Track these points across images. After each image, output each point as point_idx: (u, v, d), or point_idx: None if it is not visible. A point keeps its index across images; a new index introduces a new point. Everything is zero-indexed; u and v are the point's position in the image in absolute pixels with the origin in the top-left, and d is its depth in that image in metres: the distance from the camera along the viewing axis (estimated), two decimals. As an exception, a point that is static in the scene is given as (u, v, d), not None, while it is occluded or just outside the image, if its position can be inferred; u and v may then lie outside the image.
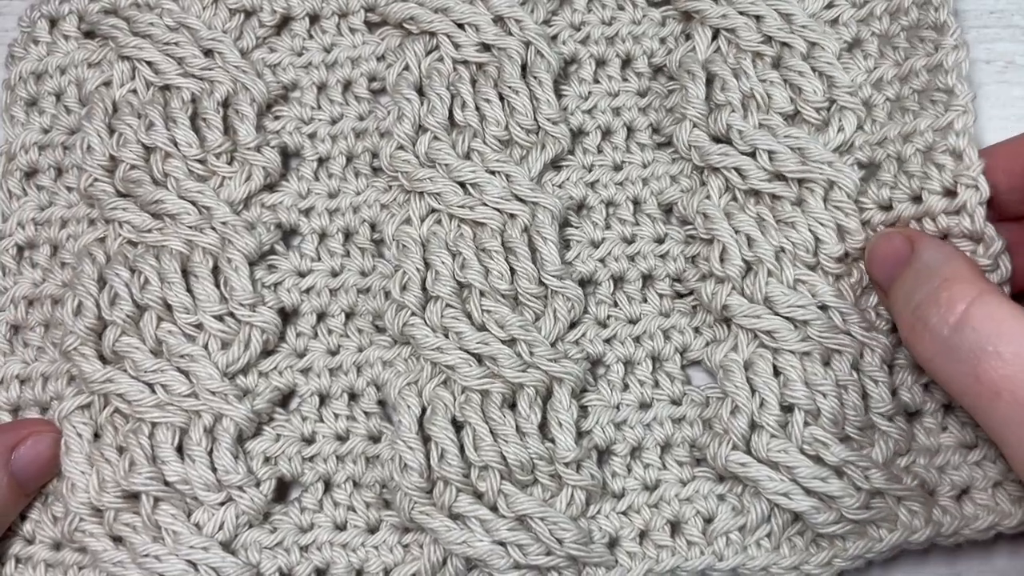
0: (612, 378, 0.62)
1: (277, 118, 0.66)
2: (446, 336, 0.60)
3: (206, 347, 0.61)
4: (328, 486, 0.61)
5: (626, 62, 0.67)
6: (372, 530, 0.61)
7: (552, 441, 0.60)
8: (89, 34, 0.67)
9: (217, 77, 0.65)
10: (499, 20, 0.65)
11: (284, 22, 0.68)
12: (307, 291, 0.64)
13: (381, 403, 0.63)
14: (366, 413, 0.62)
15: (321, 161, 0.66)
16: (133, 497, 0.59)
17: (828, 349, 0.59)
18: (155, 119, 0.64)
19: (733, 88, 0.63)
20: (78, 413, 0.61)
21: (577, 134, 0.65)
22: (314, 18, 0.68)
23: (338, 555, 0.60)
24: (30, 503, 0.61)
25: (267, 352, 0.63)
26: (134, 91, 0.65)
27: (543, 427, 0.60)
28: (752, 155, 0.62)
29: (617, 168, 0.65)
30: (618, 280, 0.63)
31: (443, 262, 0.61)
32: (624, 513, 0.60)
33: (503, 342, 0.60)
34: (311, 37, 0.67)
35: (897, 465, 0.59)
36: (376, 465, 0.61)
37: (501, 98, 0.64)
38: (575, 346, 0.62)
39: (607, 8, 0.67)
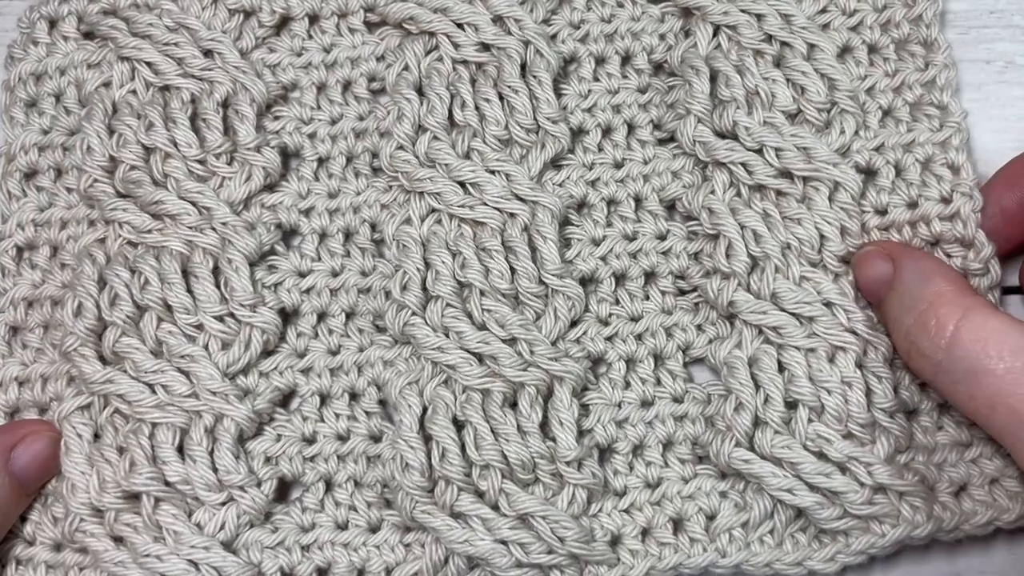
0: (614, 376, 0.62)
1: (277, 118, 0.66)
2: (447, 335, 0.60)
3: (206, 347, 0.61)
4: (329, 486, 0.61)
5: (626, 59, 0.67)
6: (373, 529, 0.60)
7: (553, 440, 0.59)
8: (88, 35, 0.67)
9: (217, 77, 0.65)
10: (498, 20, 0.64)
11: (283, 22, 0.67)
12: (307, 291, 0.64)
13: (382, 403, 0.62)
14: (367, 413, 0.62)
15: (321, 161, 0.66)
16: (134, 497, 0.59)
17: (833, 346, 0.59)
18: (155, 120, 0.64)
19: (737, 84, 0.63)
20: (78, 414, 0.61)
21: (577, 133, 0.65)
22: (313, 18, 0.67)
23: (339, 554, 0.60)
24: (30, 505, 0.61)
25: (267, 352, 0.63)
26: (134, 92, 0.65)
27: (544, 426, 0.60)
28: (758, 152, 0.62)
29: (618, 166, 0.65)
30: (620, 278, 0.63)
31: (443, 262, 0.61)
32: (626, 511, 0.60)
33: (504, 341, 0.60)
34: (310, 37, 0.67)
35: (897, 462, 0.59)
36: (377, 465, 0.61)
37: (501, 97, 0.64)
38: (576, 344, 0.62)
39: (606, 6, 0.67)
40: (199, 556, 0.58)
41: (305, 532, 0.60)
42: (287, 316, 0.64)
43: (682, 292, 0.63)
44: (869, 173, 0.63)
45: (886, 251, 0.59)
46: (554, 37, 0.66)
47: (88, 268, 0.62)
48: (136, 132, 0.63)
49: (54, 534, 0.60)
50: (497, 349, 0.60)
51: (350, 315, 0.64)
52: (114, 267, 0.62)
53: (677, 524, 0.60)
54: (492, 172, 0.62)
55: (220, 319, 0.61)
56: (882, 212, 0.62)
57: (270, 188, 0.65)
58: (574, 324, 0.62)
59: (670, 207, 0.65)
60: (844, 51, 0.64)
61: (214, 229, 0.62)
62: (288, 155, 0.66)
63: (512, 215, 0.62)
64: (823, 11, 0.65)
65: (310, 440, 0.62)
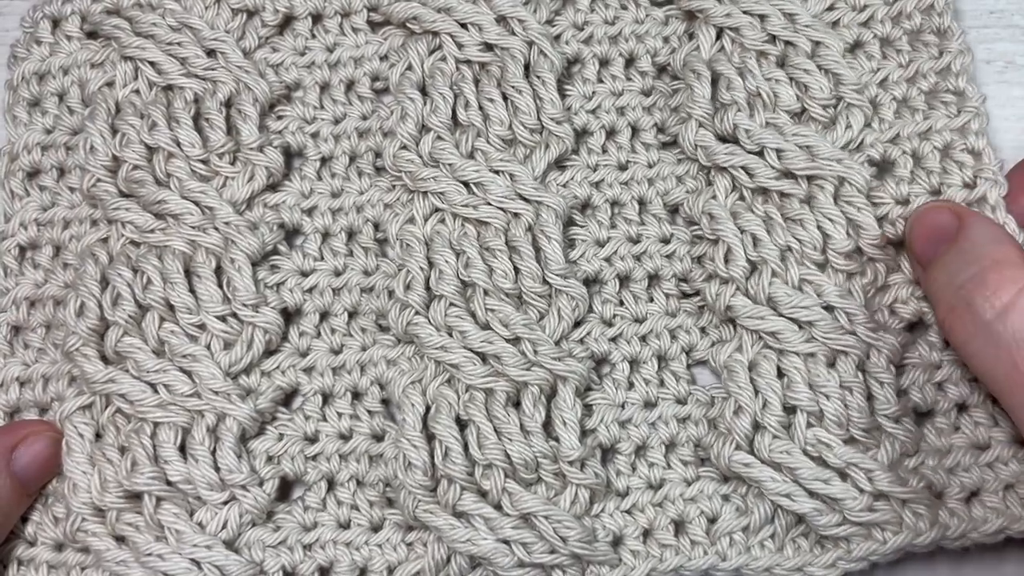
0: (617, 377, 0.62)
1: (280, 118, 0.66)
2: (450, 335, 0.60)
3: (209, 347, 0.61)
4: (331, 485, 0.61)
5: (629, 61, 0.67)
6: (375, 528, 0.60)
7: (556, 439, 0.59)
8: (92, 34, 0.67)
9: (220, 77, 0.65)
10: (502, 20, 0.65)
11: (287, 22, 0.68)
12: (310, 290, 0.64)
13: (385, 402, 0.62)
14: (369, 412, 0.62)
15: (324, 161, 0.66)
16: (135, 497, 0.59)
17: (833, 350, 0.59)
18: (158, 119, 0.64)
19: (739, 87, 0.62)
20: (79, 413, 0.61)
21: (581, 134, 0.65)
22: (317, 18, 0.67)
23: (342, 553, 0.60)
24: (31, 505, 0.61)
25: (270, 351, 0.63)
26: (137, 91, 0.65)
27: (547, 425, 0.60)
28: (760, 154, 0.61)
29: (622, 168, 0.65)
30: (624, 279, 0.63)
31: (447, 261, 0.61)
32: (628, 512, 0.60)
33: (507, 341, 0.60)
34: (314, 37, 0.67)
35: (905, 467, 0.58)
36: (380, 464, 0.61)
37: (504, 98, 0.64)
38: (580, 344, 0.62)
39: (610, 8, 0.67)
40: (201, 555, 0.58)
41: (307, 531, 0.60)
42: (290, 315, 0.64)
43: (686, 295, 0.63)
44: (886, 165, 0.62)
45: (952, 209, 0.58)
46: (558, 38, 0.66)
47: (91, 268, 0.62)
48: (139, 132, 0.63)
49: (55, 534, 0.60)
50: (501, 348, 0.59)
51: (353, 314, 0.64)
52: (117, 267, 0.62)
53: (678, 526, 0.60)
54: (496, 172, 0.62)
55: (222, 319, 0.61)
56: (903, 202, 0.61)
57: (273, 188, 0.65)
58: (578, 324, 0.62)
59: (674, 211, 0.65)
60: (855, 46, 0.64)
61: (217, 229, 0.62)
62: (291, 155, 0.66)
63: (516, 215, 0.62)
64: (831, 8, 0.65)
65: (312, 439, 0.62)
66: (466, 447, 0.59)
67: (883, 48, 0.64)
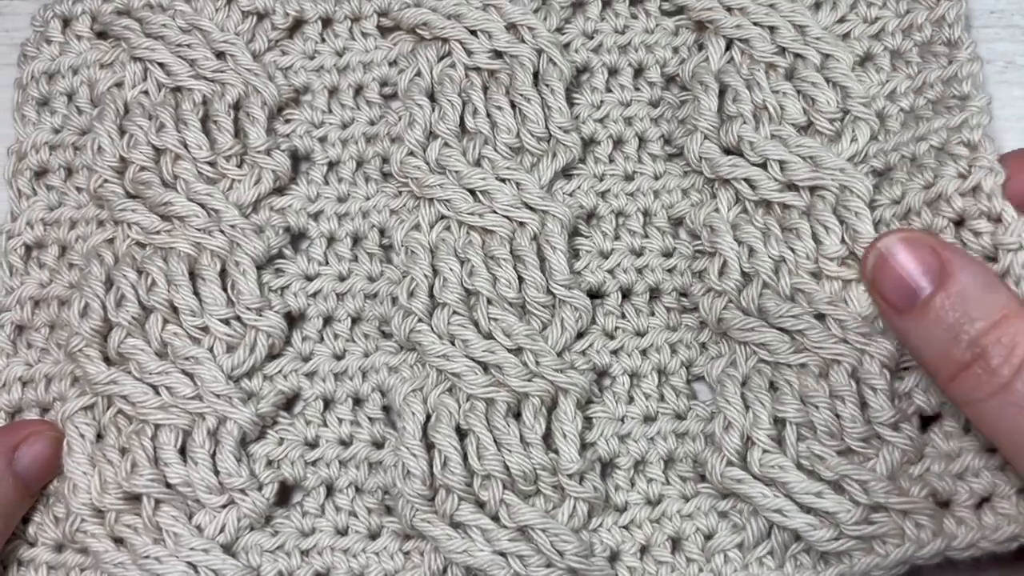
0: (618, 390, 0.62)
1: (288, 121, 0.66)
2: (452, 343, 0.60)
3: (211, 350, 0.61)
4: (330, 491, 0.61)
5: (639, 71, 0.66)
6: (373, 536, 0.60)
7: (556, 452, 0.59)
8: (102, 35, 0.67)
9: (229, 79, 0.65)
10: (512, 27, 0.64)
11: (296, 25, 0.67)
12: (314, 295, 0.64)
13: (385, 409, 0.62)
14: (370, 419, 0.62)
15: (331, 165, 0.66)
16: (135, 499, 0.59)
17: (826, 360, 0.58)
18: (166, 121, 0.64)
19: (745, 99, 0.62)
20: (81, 414, 0.61)
21: (588, 143, 0.65)
22: (327, 22, 0.67)
23: (339, 560, 0.60)
24: (32, 505, 0.61)
25: (272, 355, 0.63)
26: (146, 92, 0.65)
27: (547, 437, 0.60)
28: (763, 166, 0.61)
29: (628, 178, 0.65)
30: (626, 292, 0.63)
31: (451, 269, 0.61)
32: (626, 527, 0.60)
33: (509, 351, 0.60)
34: (323, 41, 0.67)
35: (909, 474, 0.57)
36: (379, 471, 0.61)
37: (513, 105, 0.64)
38: (582, 356, 0.61)
39: (620, 17, 0.67)
40: (198, 558, 0.58)
41: (305, 536, 0.60)
42: (293, 320, 0.64)
43: (686, 310, 0.63)
44: (887, 173, 0.61)
45: (931, 246, 0.53)
46: (567, 46, 0.66)
47: (96, 268, 0.62)
48: (147, 133, 0.63)
49: (56, 535, 0.60)
50: (502, 358, 0.59)
51: (356, 320, 0.64)
52: (121, 268, 0.62)
53: (675, 543, 0.60)
54: (502, 180, 0.62)
55: (226, 322, 0.61)
56: (897, 201, 0.59)
57: (279, 191, 0.65)
58: (580, 336, 0.62)
59: (677, 223, 0.64)
60: (865, 59, 0.64)
61: (222, 231, 0.62)
62: (298, 158, 0.66)
63: (521, 224, 0.62)
64: (842, 20, 0.64)
65: (312, 444, 0.62)
66: (465, 457, 0.59)
67: (893, 60, 0.64)
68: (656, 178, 0.64)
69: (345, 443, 0.62)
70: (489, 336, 0.60)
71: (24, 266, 0.65)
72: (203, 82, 0.65)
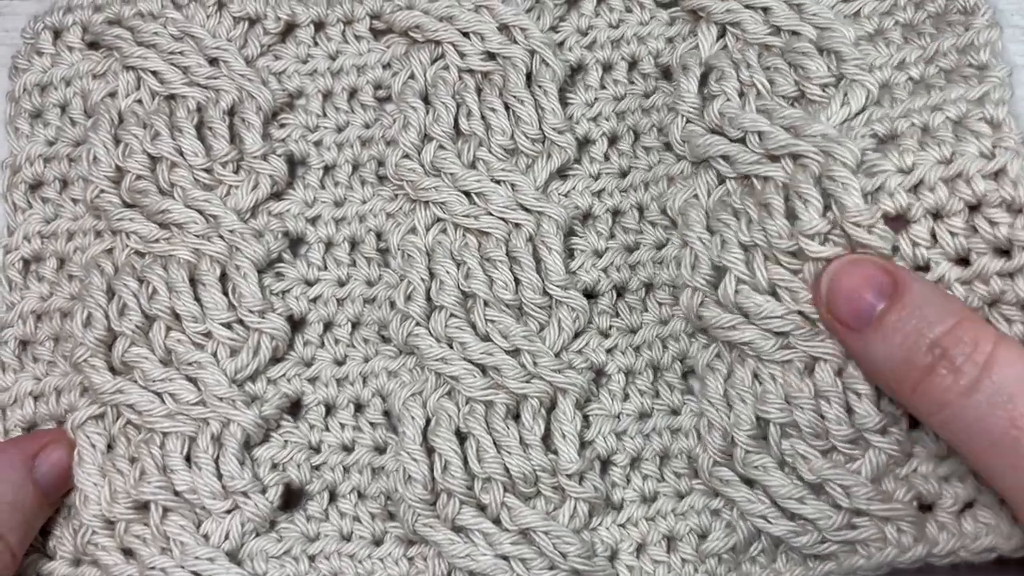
0: (613, 388, 0.62)
1: (283, 126, 0.66)
2: (450, 346, 0.60)
3: (215, 355, 0.61)
4: (333, 496, 0.62)
5: (632, 64, 0.66)
6: (377, 542, 0.61)
7: (555, 452, 0.60)
8: (93, 45, 0.67)
9: (222, 86, 0.64)
10: (504, 28, 0.64)
11: (289, 30, 0.67)
12: (314, 300, 0.64)
13: (387, 414, 0.63)
14: (372, 424, 0.62)
15: (327, 169, 0.66)
16: (144, 508, 0.59)
17: (812, 357, 0.56)
18: (161, 129, 0.64)
19: (729, 77, 0.61)
20: (91, 423, 0.61)
21: (583, 143, 0.65)
22: (319, 25, 0.67)
23: (346, 565, 0.60)
24: (53, 517, 0.61)
25: (276, 359, 0.63)
26: (139, 101, 0.65)
27: (546, 438, 0.60)
28: (743, 141, 0.59)
29: (623, 174, 0.64)
30: (620, 289, 0.63)
31: (447, 272, 0.61)
32: (623, 526, 0.60)
33: (507, 352, 0.60)
34: (316, 45, 0.67)
35: (895, 475, 0.56)
36: (381, 476, 0.61)
37: (506, 107, 0.64)
38: (579, 356, 0.62)
39: (615, 11, 0.66)
40: (203, 568, 0.58)
41: (311, 542, 0.61)
42: (294, 324, 0.64)
43: (678, 301, 0.62)
44: (892, 139, 0.57)
45: (882, 265, 0.53)
46: (561, 44, 0.66)
47: (96, 279, 0.62)
48: (142, 141, 0.63)
49: (73, 548, 0.60)
50: (500, 360, 0.60)
51: (356, 325, 0.64)
52: (122, 277, 0.62)
53: (670, 542, 0.60)
54: (497, 182, 0.62)
55: (228, 326, 0.62)
56: (906, 171, 0.54)
57: (277, 196, 0.65)
58: (577, 336, 0.62)
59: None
60: (875, 35, 0.62)
61: (221, 237, 0.62)
62: (294, 163, 0.66)
63: (517, 225, 0.62)
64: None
65: (316, 449, 0.62)
66: (466, 460, 0.59)
67: (905, 33, 0.62)
68: (649, 169, 0.64)
69: (348, 448, 0.62)
70: (487, 338, 0.60)
71: (23, 280, 0.65)
72: (197, 89, 0.65)
